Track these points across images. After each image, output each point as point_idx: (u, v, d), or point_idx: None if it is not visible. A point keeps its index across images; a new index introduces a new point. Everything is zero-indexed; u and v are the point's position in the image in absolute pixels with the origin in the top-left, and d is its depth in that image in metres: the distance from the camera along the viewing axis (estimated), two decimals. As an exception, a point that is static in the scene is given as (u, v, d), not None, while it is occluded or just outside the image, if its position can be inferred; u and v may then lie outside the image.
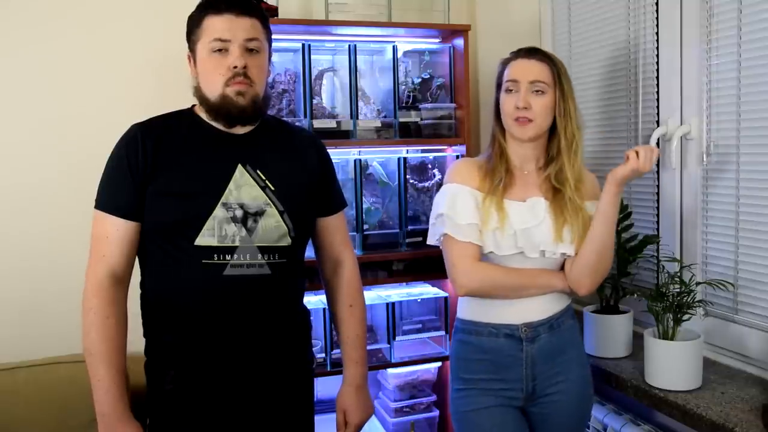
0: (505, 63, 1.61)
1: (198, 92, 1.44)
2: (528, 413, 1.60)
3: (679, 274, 1.62)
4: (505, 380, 1.56)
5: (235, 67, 1.38)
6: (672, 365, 1.55)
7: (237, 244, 1.39)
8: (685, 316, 1.59)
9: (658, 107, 1.89)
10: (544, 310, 1.57)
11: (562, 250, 1.54)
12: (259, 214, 1.42)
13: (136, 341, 1.46)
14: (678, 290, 1.59)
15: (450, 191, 1.57)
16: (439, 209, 1.56)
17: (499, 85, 1.61)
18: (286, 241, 1.44)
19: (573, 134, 1.56)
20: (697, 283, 1.64)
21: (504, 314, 1.56)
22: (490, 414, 1.55)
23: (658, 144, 1.84)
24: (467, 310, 1.62)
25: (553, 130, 1.58)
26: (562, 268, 1.59)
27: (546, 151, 1.60)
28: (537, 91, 1.54)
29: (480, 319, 1.58)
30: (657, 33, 1.87)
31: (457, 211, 1.53)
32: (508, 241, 1.53)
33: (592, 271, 1.53)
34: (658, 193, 1.91)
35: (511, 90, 1.56)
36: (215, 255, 1.38)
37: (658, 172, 1.89)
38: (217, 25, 1.39)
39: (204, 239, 1.37)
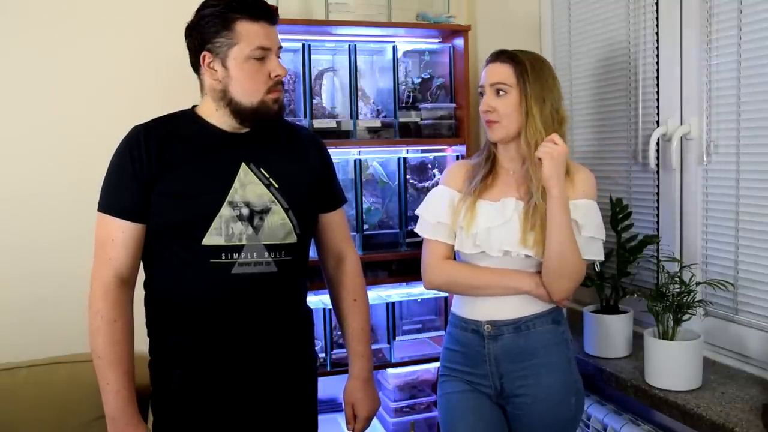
0: (483, 68, 1.63)
1: (224, 96, 1.41)
2: (504, 410, 1.61)
3: (679, 274, 1.62)
4: (474, 374, 1.60)
5: (278, 75, 1.41)
6: (672, 365, 1.56)
7: (244, 242, 1.39)
8: (685, 316, 1.59)
9: (658, 107, 1.89)
10: (510, 311, 1.56)
11: (525, 253, 1.53)
12: (265, 212, 1.42)
13: (137, 341, 1.45)
14: (678, 290, 1.59)
15: (432, 193, 1.67)
16: (417, 210, 1.66)
17: None
18: (292, 239, 1.45)
19: (533, 135, 1.52)
20: (697, 283, 1.64)
21: (473, 310, 1.60)
22: (466, 397, 1.61)
23: (658, 144, 1.85)
24: (454, 303, 1.68)
25: None
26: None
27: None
28: (499, 91, 1.55)
29: (458, 312, 1.64)
30: (657, 33, 1.87)
31: (429, 210, 1.63)
32: (469, 240, 1.56)
33: (557, 276, 1.50)
34: (658, 193, 1.91)
35: (482, 94, 1.60)
36: (223, 254, 1.38)
37: (658, 172, 1.89)
38: (258, 32, 1.39)
39: (211, 238, 1.38)
